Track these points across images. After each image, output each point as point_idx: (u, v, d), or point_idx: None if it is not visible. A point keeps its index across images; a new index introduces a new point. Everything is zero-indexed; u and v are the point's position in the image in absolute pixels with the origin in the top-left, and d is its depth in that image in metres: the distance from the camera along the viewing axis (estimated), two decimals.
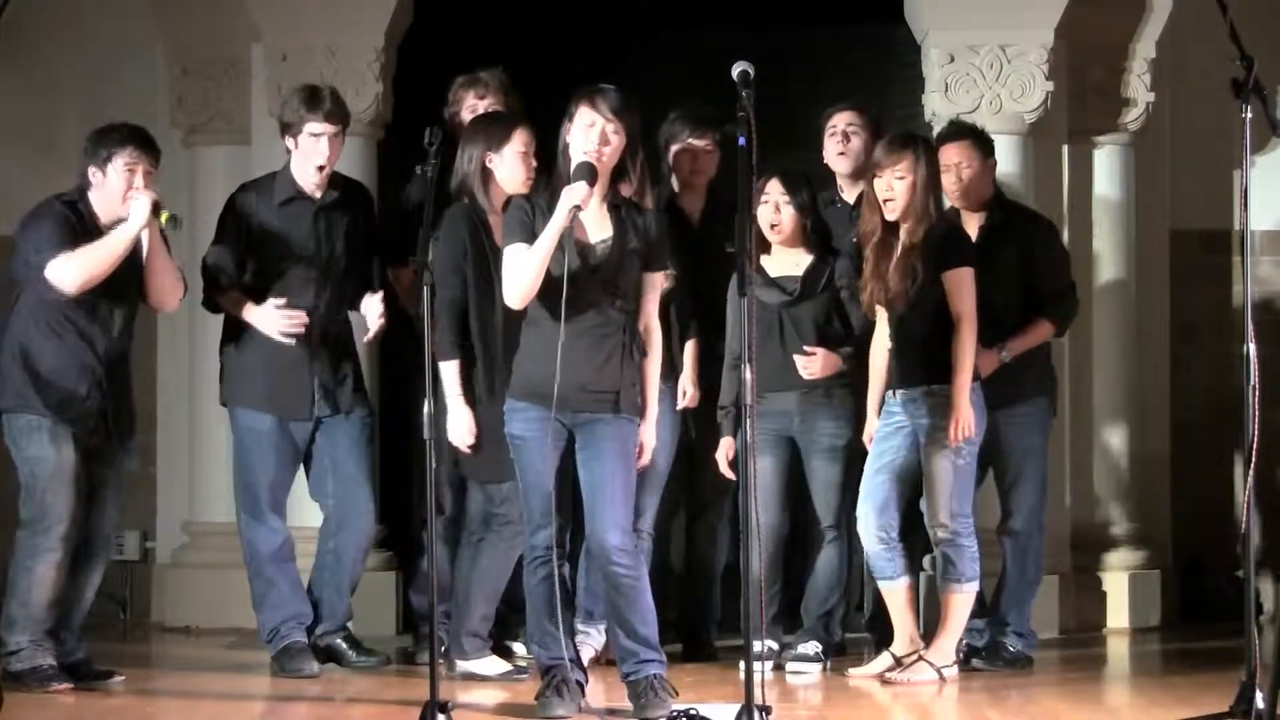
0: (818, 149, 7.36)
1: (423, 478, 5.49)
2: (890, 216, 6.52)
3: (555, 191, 5.63)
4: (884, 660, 6.63)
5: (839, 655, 7.03)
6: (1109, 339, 8.27)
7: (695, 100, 7.16)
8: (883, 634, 6.92)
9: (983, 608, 6.94)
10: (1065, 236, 8.03)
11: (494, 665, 6.58)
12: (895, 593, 6.59)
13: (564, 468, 5.72)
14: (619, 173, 5.70)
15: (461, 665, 6.54)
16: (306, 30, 8.07)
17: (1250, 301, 5.29)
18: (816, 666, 6.83)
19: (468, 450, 6.43)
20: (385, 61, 8.12)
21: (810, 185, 6.99)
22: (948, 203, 6.85)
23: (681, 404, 6.96)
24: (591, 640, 6.73)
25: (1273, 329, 7.35)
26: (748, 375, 5.12)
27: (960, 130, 7.06)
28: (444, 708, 5.13)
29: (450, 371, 6.42)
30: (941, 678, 6.50)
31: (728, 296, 6.87)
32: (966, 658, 6.81)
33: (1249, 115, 5.27)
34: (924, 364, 6.48)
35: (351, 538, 6.86)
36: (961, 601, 6.55)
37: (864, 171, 7.03)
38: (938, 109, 7.97)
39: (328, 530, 6.89)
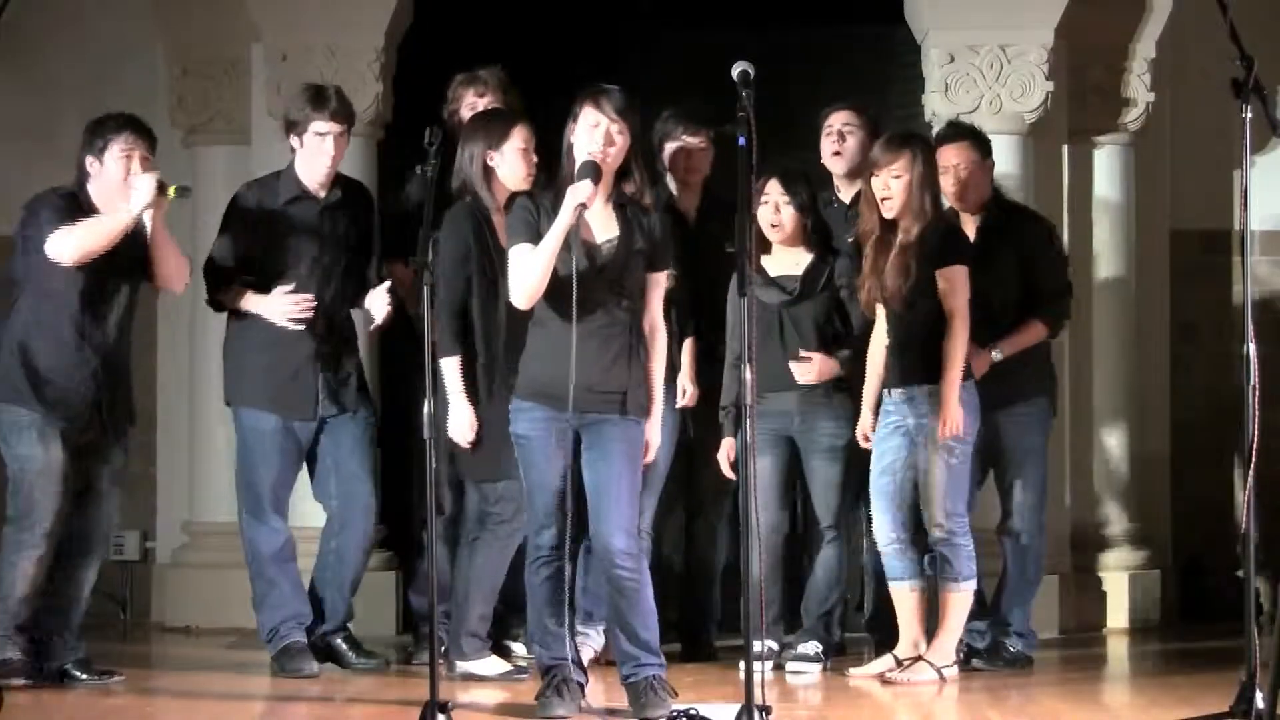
0: (818, 149, 7.35)
1: (423, 478, 5.49)
2: (888, 215, 6.53)
3: (560, 191, 5.63)
4: (885, 661, 6.63)
5: (839, 655, 7.03)
6: (1109, 339, 8.28)
7: (695, 100, 7.16)
8: (883, 634, 6.93)
9: (983, 608, 6.94)
10: (1065, 236, 8.04)
11: (494, 665, 6.57)
12: (906, 593, 6.58)
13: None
14: (623, 173, 5.71)
15: (461, 666, 6.53)
16: (306, 30, 8.07)
17: (1250, 301, 5.29)
18: (816, 666, 6.82)
19: (467, 446, 6.43)
20: (385, 61, 8.12)
21: (810, 185, 6.99)
22: (947, 203, 6.85)
23: (681, 403, 6.96)
24: (591, 641, 6.73)
25: (1273, 329, 7.35)
26: (748, 375, 5.12)
27: (958, 132, 7.05)
28: (444, 708, 5.13)
29: (452, 367, 6.41)
30: (941, 678, 6.50)
31: (728, 296, 6.86)
32: (966, 658, 6.81)
33: (1249, 115, 5.27)
34: (920, 363, 6.48)
35: (353, 538, 6.86)
36: (959, 601, 6.55)
37: (860, 172, 7.04)
38: (938, 109, 7.97)
39: (330, 530, 6.89)
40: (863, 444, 6.73)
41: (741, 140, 5.19)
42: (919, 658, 6.53)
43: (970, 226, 6.88)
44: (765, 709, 5.02)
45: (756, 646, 5.11)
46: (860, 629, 7.34)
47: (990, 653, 6.90)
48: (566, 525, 5.66)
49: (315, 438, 6.84)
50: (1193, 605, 8.27)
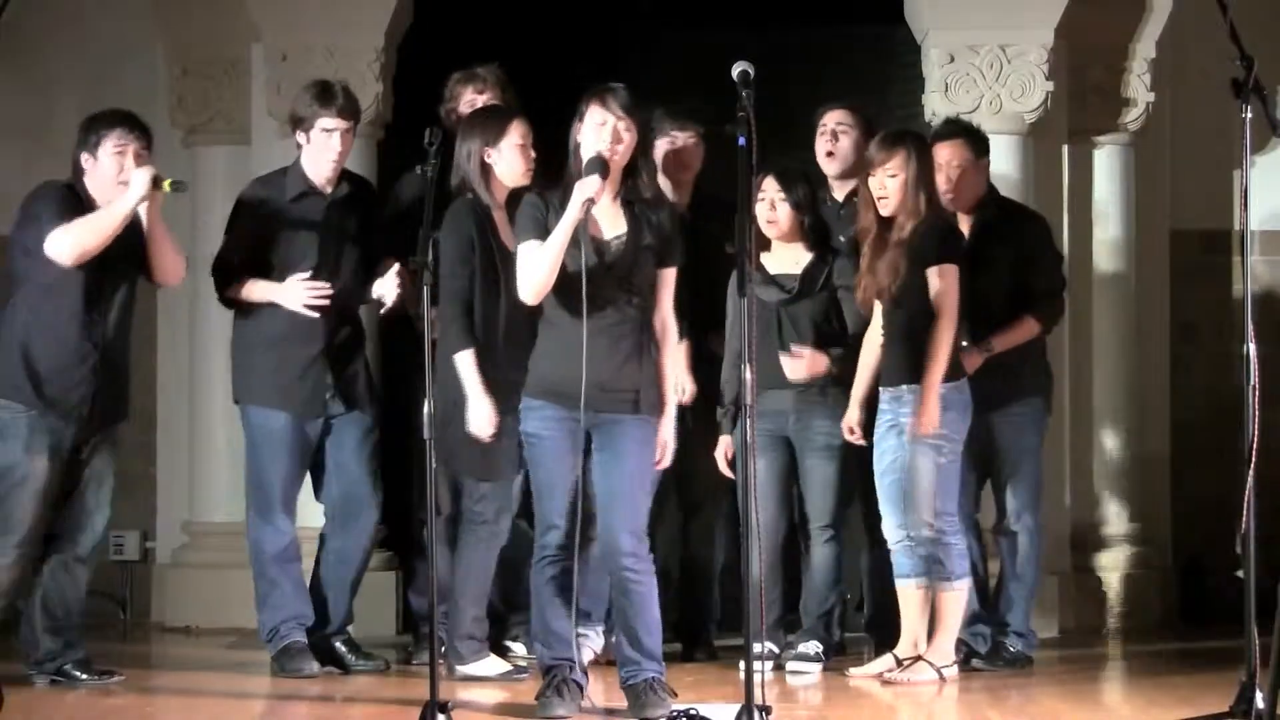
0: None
1: (423, 478, 5.48)
2: (884, 213, 6.54)
3: (568, 189, 5.63)
4: (885, 661, 6.62)
5: (839, 655, 7.03)
6: (1109, 339, 8.28)
7: (695, 100, 7.16)
8: (883, 634, 6.92)
9: (985, 608, 6.93)
10: (1065, 236, 8.04)
11: (493, 666, 6.56)
12: (912, 591, 6.57)
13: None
14: (631, 170, 5.71)
15: (460, 669, 6.51)
16: (306, 30, 8.07)
17: (1250, 301, 5.29)
18: (817, 666, 6.82)
19: (489, 439, 6.36)
20: (385, 61, 8.13)
21: (809, 183, 6.99)
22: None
23: (678, 399, 6.94)
24: (591, 641, 6.72)
25: (1273, 329, 7.35)
26: (748, 375, 5.12)
27: (954, 129, 7.05)
28: (444, 708, 5.13)
29: (466, 361, 6.35)
30: (941, 678, 6.50)
31: (728, 295, 6.86)
32: (966, 658, 6.81)
33: (1249, 115, 5.27)
34: (907, 361, 6.48)
35: (355, 538, 6.86)
36: (953, 599, 6.54)
37: (853, 173, 7.05)
38: (938, 109, 7.97)
39: (331, 531, 6.87)
40: (847, 436, 6.72)
41: (741, 140, 5.18)
42: (919, 658, 6.52)
43: (965, 224, 6.88)
44: (765, 709, 5.02)
45: (756, 647, 5.10)
46: (860, 629, 7.33)
47: (990, 653, 6.90)
48: (576, 526, 5.66)
49: (320, 436, 6.83)
50: (1193, 605, 8.27)
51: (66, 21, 8.63)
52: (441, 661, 6.01)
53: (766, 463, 6.81)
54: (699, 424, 6.95)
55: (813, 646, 6.86)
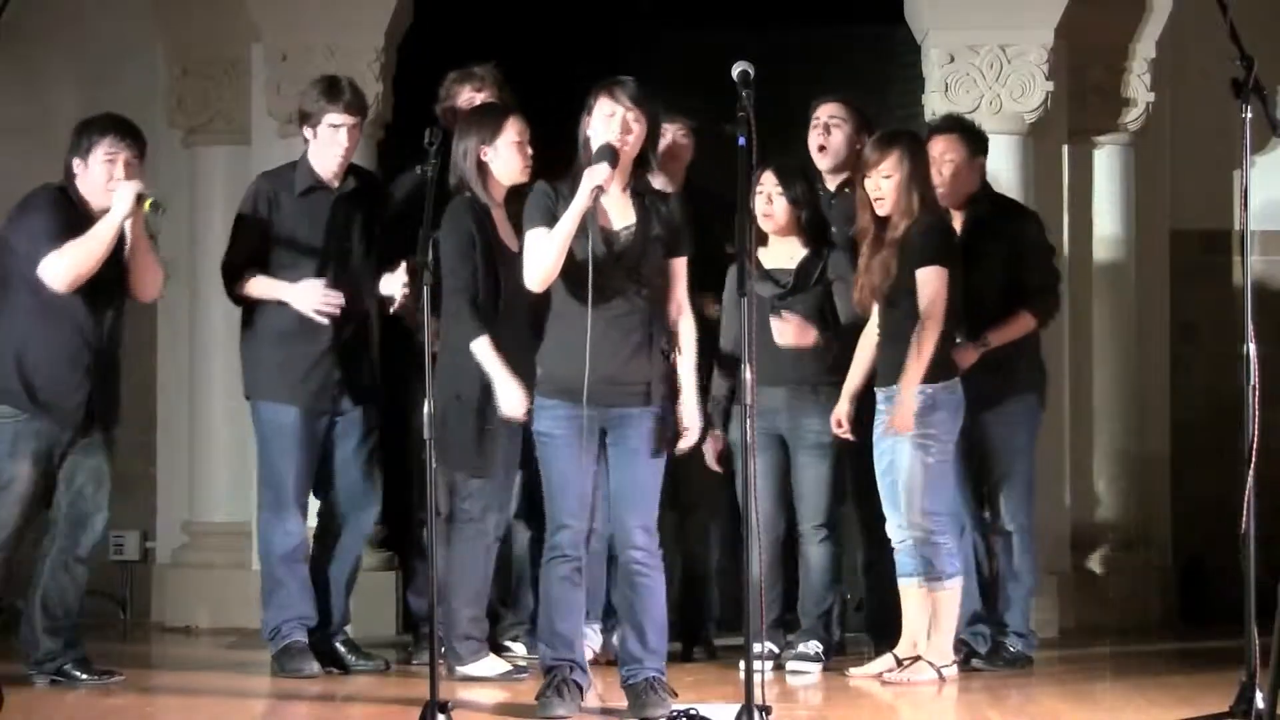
0: None
1: (422, 477, 5.47)
2: (880, 213, 6.54)
3: (577, 179, 5.63)
4: (885, 661, 6.63)
5: (839, 655, 7.03)
6: (1109, 338, 8.28)
7: (695, 99, 7.16)
8: (882, 634, 6.92)
9: (986, 608, 6.94)
10: (1065, 236, 8.05)
11: (493, 665, 6.56)
12: (914, 590, 6.57)
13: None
14: (641, 162, 5.72)
15: (460, 670, 6.50)
16: (306, 30, 8.07)
17: (1250, 301, 5.29)
18: (817, 666, 6.82)
19: (523, 417, 6.21)
20: (385, 61, 8.13)
21: (808, 180, 7.00)
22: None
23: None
24: (590, 641, 6.71)
25: (1273, 329, 7.34)
26: (748, 375, 5.12)
27: (951, 124, 7.05)
28: (444, 708, 5.12)
29: (484, 346, 6.30)
30: (941, 678, 6.50)
31: (724, 293, 6.86)
32: (966, 658, 6.81)
33: (1249, 115, 5.27)
34: (899, 362, 6.48)
35: (354, 538, 6.87)
36: (947, 598, 6.53)
37: (844, 167, 7.06)
38: (938, 109, 7.97)
39: (331, 529, 6.87)
40: (835, 430, 6.72)
41: (741, 140, 5.19)
42: (918, 657, 6.52)
43: (957, 220, 6.87)
44: (765, 709, 5.02)
45: (756, 647, 5.10)
46: (860, 629, 7.33)
47: (990, 653, 6.90)
48: (588, 526, 5.66)
49: (327, 433, 6.83)
50: (1193, 605, 8.27)
51: (66, 21, 8.63)
52: (441, 661, 6.01)
53: (762, 461, 6.79)
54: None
55: (813, 646, 6.86)
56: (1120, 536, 8.27)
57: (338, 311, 6.68)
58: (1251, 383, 5.19)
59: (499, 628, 7.00)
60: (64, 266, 6.31)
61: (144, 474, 8.55)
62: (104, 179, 6.42)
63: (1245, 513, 5.23)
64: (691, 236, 5.82)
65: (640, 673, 5.66)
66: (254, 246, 6.76)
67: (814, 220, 6.96)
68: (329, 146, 6.75)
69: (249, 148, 8.24)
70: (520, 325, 6.25)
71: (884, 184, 6.51)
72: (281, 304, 6.71)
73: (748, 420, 5.10)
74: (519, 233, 6.36)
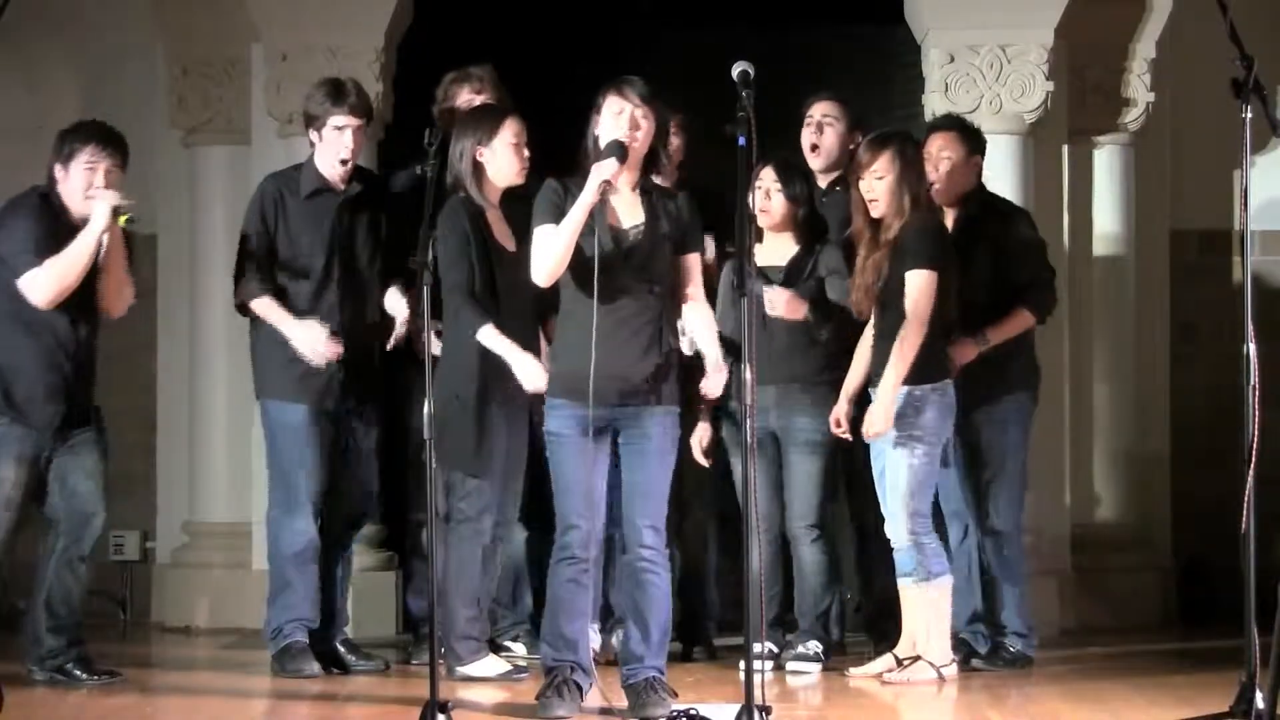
0: None
1: (419, 477, 5.46)
2: (874, 215, 6.54)
3: (586, 176, 5.64)
4: (885, 661, 6.62)
5: (839, 655, 7.03)
6: (1109, 338, 8.28)
7: (695, 99, 7.16)
8: (882, 634, 6.92)
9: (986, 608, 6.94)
10: (1065, 236, 8.05)
11: (493, 665, 6.55)
12: (913, 591, 6.57)
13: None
14: (650, 160, 5.72)
15: (459, 670, 6.50)
16: (306, 30, 8.07)
17: (1250, 301, 5.28)
18: (817, 666, 6.82)
19: (542, 390, 6.10)
20: (385, 61, 8.12)
21: (807, 178, 7.00)
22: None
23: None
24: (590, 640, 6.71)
25: (1273, 329, 7.34)
26: (748, 375, 5.11)
27: (949, 122, 7.06)
28: (444, 708, 5.12)
29: (490, 333, 6.29)
30: (941, 678, 6.50)
31: (719, 292, 6.86)
32: (966, 658, 6.81)
33: (1249, 115, 5.27)
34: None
35: (352, 538, 6.86)
36: (934, 598, 6.53)
37: (836, 165, 7.06)
38: (938, 109, 7.97)
39: (332, 528, 6.86)
40: (834, 429, 6.71)
41: (741, 140, 5.19)
42: (918, 657, 6.52)
43: (949, 218, 6.87)
44: (765, 709, 5.02)
45: (756, 647, 5.10)
46: (860, 629, 7.33)
47: (990, 653, 6.90)
48: (599, 527, 5.66)
49: (338, 431, 6.81)
50: (1193, 605, 8.27)
51: (66, 21, 8.63)
52: (441, 661, 6.00)
53: (758, 459, 6.79)
54: (683, 420, 6.95)
55: (813, 646, 6.86)
56: (1120, 536, 8.27)
57: (335, 358, 6.66)
58: (1251, 383, 5.19)
59: (498, 628, 7.00)
60: (45, 283, 6.34)
61: (144, 474, 8.55)
62: (83, 186, 6.42)
63: (1245, 513, 5.23)
64: (701, 233, 5.83)
65: (641, 672, 5.66)
66: (262, 249, 6.76)
67: (811, 218, 6.96)
68: (334, 149, 6.75)
69: (249, 148, 8.24)
70: (518, 325, 6.24)
71: (877, 185, 6.52)
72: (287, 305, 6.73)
73: (748, 420, 5.10)
74: (515, 233, 6.37)
